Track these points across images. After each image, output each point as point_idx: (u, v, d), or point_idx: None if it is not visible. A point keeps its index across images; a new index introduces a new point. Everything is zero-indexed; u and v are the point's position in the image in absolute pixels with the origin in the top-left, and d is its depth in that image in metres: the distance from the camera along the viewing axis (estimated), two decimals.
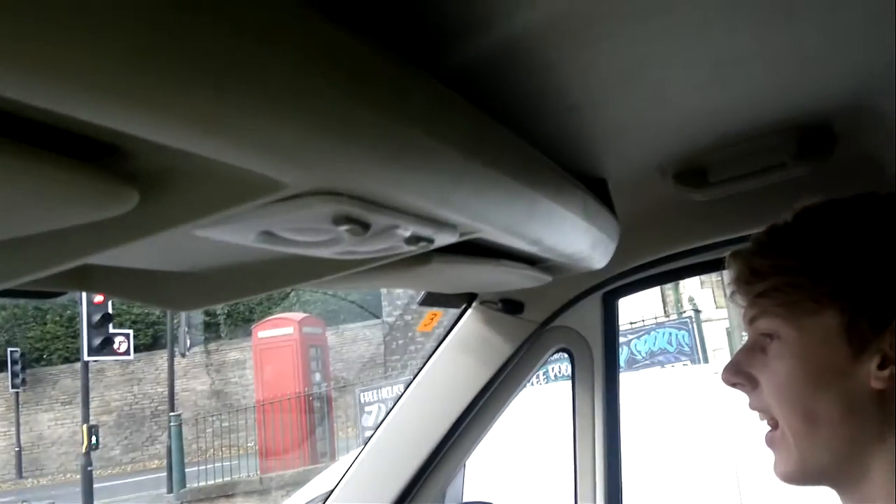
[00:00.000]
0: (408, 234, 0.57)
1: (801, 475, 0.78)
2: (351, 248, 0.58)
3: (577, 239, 0.95)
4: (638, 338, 10.59)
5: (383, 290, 18.18)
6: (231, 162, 0.39)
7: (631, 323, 10.25)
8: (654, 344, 10.52)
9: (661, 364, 9.99)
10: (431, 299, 1.46)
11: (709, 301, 11.75)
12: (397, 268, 0.76)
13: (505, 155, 0.65)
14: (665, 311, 11.67)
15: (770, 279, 0.80)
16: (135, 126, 0.34)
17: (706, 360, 10.04)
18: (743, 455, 3.02)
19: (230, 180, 0.44)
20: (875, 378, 0.72)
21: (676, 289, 12.23)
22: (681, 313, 11.47)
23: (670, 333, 10.57)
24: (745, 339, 0.84)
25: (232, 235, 0.52)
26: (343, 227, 0.51)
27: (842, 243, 0.77)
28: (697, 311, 10.93)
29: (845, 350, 0.73)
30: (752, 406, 0.82)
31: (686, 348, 10.35)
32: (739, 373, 0.82)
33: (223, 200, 0.45)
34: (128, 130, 0.34)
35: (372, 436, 1.62)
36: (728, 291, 0.87)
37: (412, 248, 0.62)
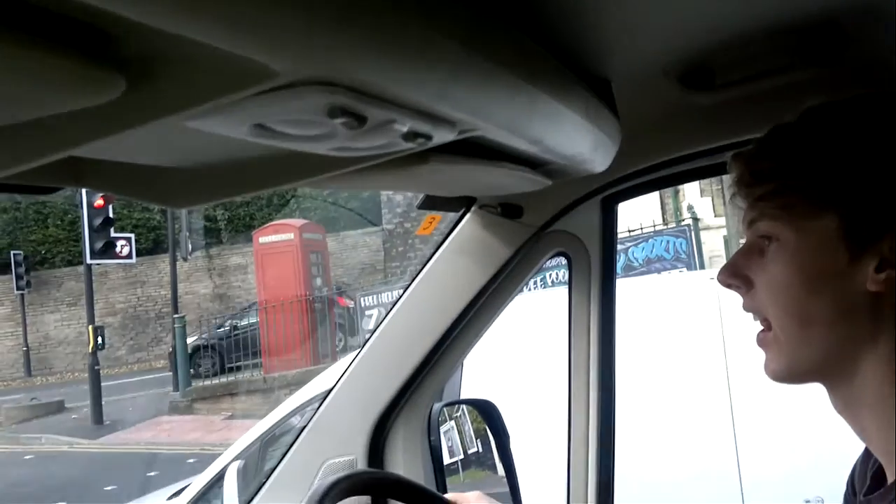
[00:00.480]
0: (405, 129, 0.56)
1: (791, 374, 0.79)
2: (346, 144, 0.57)
3: (579, 140, 0.93)
4: (636, 245, 10.65)
5: (383, 197, 18.18)
6: (221, 46, 0.38)
7: (630, 231, 10.29)
8: (652, 251, 10.59)
9: (658, 271, 10.07)
10: (430, 202, 1.45)
11: (708, 209, 11.76)
12: (394, 167, 0.74)
13: (506, 50, 0.63)
14: (664, 219, 11.69)
15: (770, 182, 0.79)
16: (120, 3, 0.33)
17: (703, 267, 10.13)
18: (733, 353, 3.08)
19: (221, 68, 0.42)
20: (872, 281, 0.72)
21: (676, 197, 12.22)
22: (679, 221, 11.50)
23: (668, 241, 10.62)
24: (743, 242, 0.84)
25: (224, 127, 0.51)
26: (338, 120, 0.50)
27: (842, 147, 0.76)
28: (696, 219, 10.96)
29: (843, 253, 0.73)
30: (746, 307, 0.82)
31: (683, 255, 10.43)
32: (736, 275, 0.81)
33: (213, 89, 0.44)
34: (113, 9, 0.33)
35: (370, 336, 1.65)
36: (729, 193, 0.86)
37: (410, 144, 0.61)
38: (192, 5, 0.34)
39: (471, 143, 0.87)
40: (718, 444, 3.00)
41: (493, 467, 2.03)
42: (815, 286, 0.75)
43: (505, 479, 1.85)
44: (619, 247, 11.46)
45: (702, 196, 11.97)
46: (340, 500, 1.11)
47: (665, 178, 1.51)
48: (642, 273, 10.10)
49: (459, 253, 1.56)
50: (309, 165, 0.67)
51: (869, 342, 0.74)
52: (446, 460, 2.09)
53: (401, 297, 1.63)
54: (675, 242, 10.60)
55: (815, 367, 0.77)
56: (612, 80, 1.18)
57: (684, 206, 12.01)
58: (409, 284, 1.62)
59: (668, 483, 3.10)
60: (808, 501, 2.71)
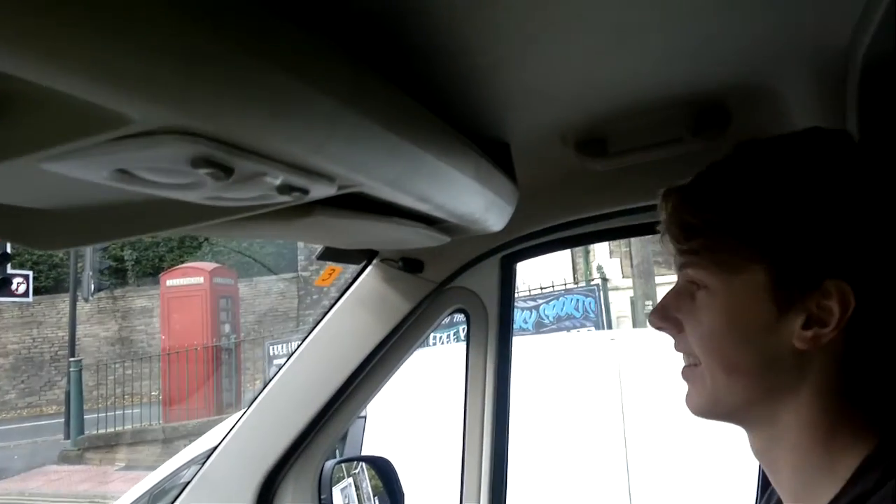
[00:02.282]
0: (277, 182, 0.55)
1: (712, 412, 0.80)
2: (217, 194, 0.56)
3: (470, 200, 0.94)
4: (547, 303, 10.83)
5: (300, 244, 17.96)
6: (66, 91, 0.37)
7: (541, 288, 10.45)
8: (562, 309, 10.78)
9: (567, 329, 10.24)
10: (330, 254, 1.44)
11: (616, 270, 12.09)
12: (277, 218, 0.73)
13: (386, 108, 0.63)
14: (575, 279, 11.94)
15: (697, 236, 0.78)
16: None
17: (610, 326, 10.36)
18: (630, 412, 3.15)
19: (73, 111, 0.41)
20: (798, 338, 0.72)
21: (586, 257, 12.53)
22: (589, 281, 11.77)
23: (578, 300, 10.84)
24: (670, 288, 0.83)
25: (83, 172, 0.49)
26: (203, 171, 0.49)
27: (766, 201, 0.75)
28: (605, 280, 11.24)
29: (771, 307, 0.73)
30: (677, 348, 0.83)
31: (592, 315, 10.65)
32: (666, 318, 0.82)
33: (65, 133, 0.42)
34: None
35: (265, 387, 1.61)
36: (661, 232, 0.84)
37: (286, 197, 0.60)
38: (29, 49, 0.33)
39: (365, 197, 0.87)
40: (613, 498, 3.05)
41: None
42: (743, 337, 0.75)
43: None
44: (531, 304, 11.71)
45: (611, 257, 12.31)
46: None
47: (564, 240, 1.54)
48: (552, 330, 10.25)
49: (359, 305, 1.55)
50: (186, 213, 0.65)
51: (791, 394, 0.74)
52: None
53: (297, 348, 1.60)
54: (584, 301, 10.83)
55: (735, 411, 0.78)
56: (511, 143, 1.20)
57: (594, 266, 12.32)
58: (307, 336, 1.59)
59: None
60: None
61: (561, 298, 10.87)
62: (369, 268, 1.53)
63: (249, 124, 0.47)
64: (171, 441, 12.48)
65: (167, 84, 0.39)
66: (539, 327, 10.42)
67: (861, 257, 0.71)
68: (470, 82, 0.91)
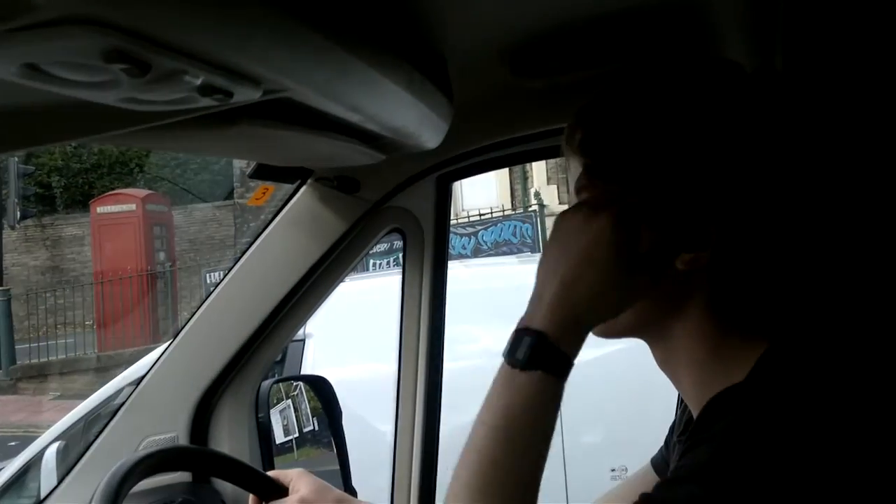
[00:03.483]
0: (198, 81, 0.53)
1: (609, 334, 0.85)
2: (134, 94, 0.54)
3: (403, 112, 0.93)
4: (485, 229, 10.94)
5: (236, 170, 17.58)
6: None
7: (480, 214, 10.52)
8: (500, 235, 10.92)
9: (506, 254, 10.39)
10: (263, 172, 1.41)
11: (553, 196, 12.23)
12: (203, 126, 0.71)
13: (313, 8, 0.61)
14: (513, 205, 12.05)
15: (582, 176, 0.84)
16: None
17: None
18: None
19: None
20: (680, 261, 0.78)
21: (524, 184, 12.62)
22: (527, 207, 11.90)
23: (515, 226, 10.99)
24: None
25: None
26: (117, 66, 0.47)
27: (647, 132, 0.80)
28: (542, 206, 11.37)
29: (654, 234, 0.78)
30: None
31: (529, 240, 10.82)
32: None
33: None
34: None
35: (198, 308, 1.59)
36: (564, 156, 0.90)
37: (209, 101, 0.58)
38: None
39: (295, 108, 0.84)
40: None
41: (329, 445, 2.01)
42: (630, 263, 0.79)
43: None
44: (470, 230, 11.80)
45: (548, 184, 12.43)
46: (149, 476, 1.06)
47: (500, 159, 1.54)
48: (490, 255, 10.38)
49: (293, 225, 1.53)
50: (102, 118, 0.62)
51: (679, 312, 0.81)
52: (281, 439, 2.06)
53: (231, 269, 1.57)
54: (522, 227, 10.98)
55: (631, 330, 0.85)
56: (447, 58, 1.18)
57: (532, 192, 12.43)
58: (240, 257, 1.57)
59: None
60: (613, 470, 2.91)
61: (499, 225, 10.98)
62: (304, 187, 1.51)
63: (162, 15, 0.45)
64: (106, 370, 12.33)
65: None
66: (478, 253, 10.54)
67: (738, 183, 0.77)
68: None
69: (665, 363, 0.85)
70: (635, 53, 1.17)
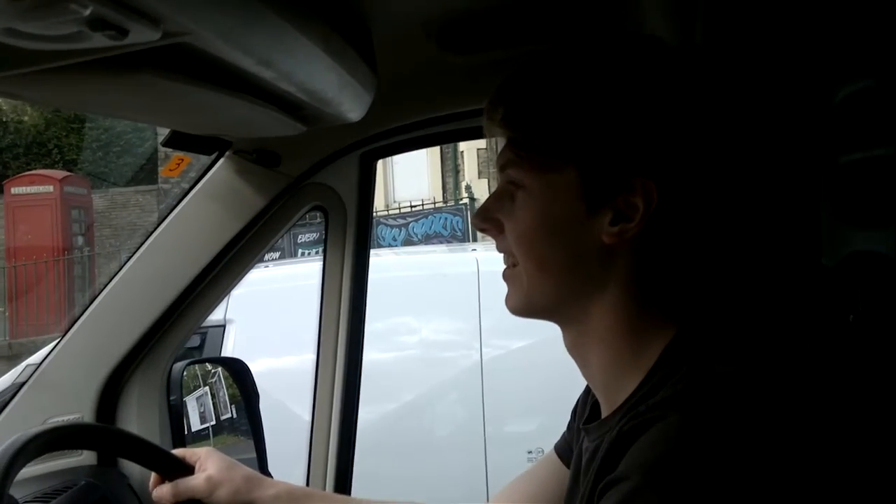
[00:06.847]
0: (86, 12, 0.49)
1: (528, 310, 0.84)
2: (14, 24, 0.49)
3: (321, 74, 0.90)
4: (416, 221, 10.96)
5: (161, 154, 17.07)
6: None
7: (411, 206, 10.52)
8: (431, 228, 10.97)
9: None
10: (177, 140, 1.34)
11: (484, 190, 12.31)
12: (101, 73, 0.66)
13: None
14: (444, 198, 12.09)
15: (507, 149, 0.82)
16: None
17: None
18: (487, 317, 3.27)
19: None
20: (606, 233, 0.77)
21: (455, 177, 12.68)
22: (458, 200, 11.96)
23: (446, 218, 11.06)
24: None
25: None
26: None
27: (573, 104, 0.78)
28: (473, 199, 11.45)
29: (582, 206, 0.77)
30: (499, 248, 0.87)
31: (459, 233, 10.89)
32: (487, 219, 0.85)
33: None
34: None
35: (107, 284, 1.51)
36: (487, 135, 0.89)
37: (103, 38, 0.54)
38: None
39: (213, 67, 0.80)
40: (468, 403, 3.18)
41: (248, 433, 1.96)
42: (555, 234, 0.79)
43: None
44: (401, 221, 11.78)
45: (479, 177, 12.49)
46: (46, 452, 1.00)
47: (424, 138, 1.52)
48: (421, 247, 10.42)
49: (210, 199, 1.47)
50: None
51: (599, 289, 0.79)
52: (197, 426, 1.99)
53: (143, 243, 1.50)
54: (452, 220, 11.05)
55: (549, 306, 0.83)
56: (371, 28, 1.15)
57: (463, 185, 12.49)
58: (153, 230, 1.50)
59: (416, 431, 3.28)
60: (530, 452, 2.95)
61: (430, 217, 11.02)
62: (221, 160, 1.45)
63: None
64: (18, 357, 11.81)
65: None
66: (408, 244, 10.55)
67: (664, 156, 0.76)
68: None
69: (575, 347, 0.84)
70: (561, 30, 1.16)
